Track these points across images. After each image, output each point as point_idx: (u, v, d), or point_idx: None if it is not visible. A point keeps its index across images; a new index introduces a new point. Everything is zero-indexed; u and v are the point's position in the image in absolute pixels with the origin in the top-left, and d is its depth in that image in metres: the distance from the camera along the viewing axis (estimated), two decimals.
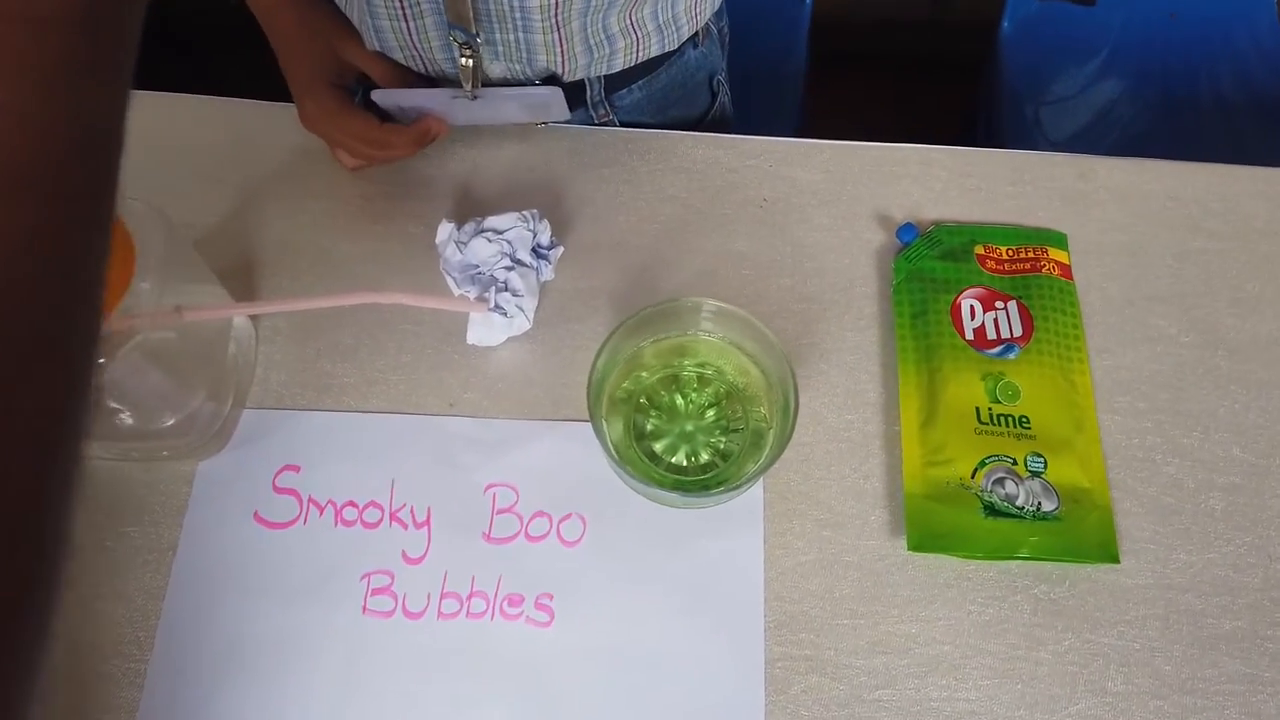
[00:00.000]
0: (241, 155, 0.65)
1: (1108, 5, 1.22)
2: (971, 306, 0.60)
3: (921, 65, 1.52)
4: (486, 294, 0.55)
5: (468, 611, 0.52)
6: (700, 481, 0.53)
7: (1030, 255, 0.62)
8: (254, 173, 0.64)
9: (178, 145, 0.65)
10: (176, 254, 0.52)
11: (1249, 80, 1.21)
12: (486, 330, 0.56)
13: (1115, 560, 0.54)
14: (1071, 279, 0.62)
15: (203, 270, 0.55)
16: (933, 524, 0.54)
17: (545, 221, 0.57)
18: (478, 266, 0.56)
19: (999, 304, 0.60)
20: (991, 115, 1.21)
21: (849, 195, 0.65)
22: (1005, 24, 1.19)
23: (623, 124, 0.68)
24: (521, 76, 0.61)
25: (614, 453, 0.52)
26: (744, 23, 0.87)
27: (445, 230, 0.57)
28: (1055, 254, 0.62)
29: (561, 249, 0.59)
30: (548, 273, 0.58)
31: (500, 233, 0.56)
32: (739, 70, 0.83)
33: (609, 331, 0.51)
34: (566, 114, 0.62)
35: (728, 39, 0.77)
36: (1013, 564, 0.54)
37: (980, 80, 1.30)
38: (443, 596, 0.53)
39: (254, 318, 0.59)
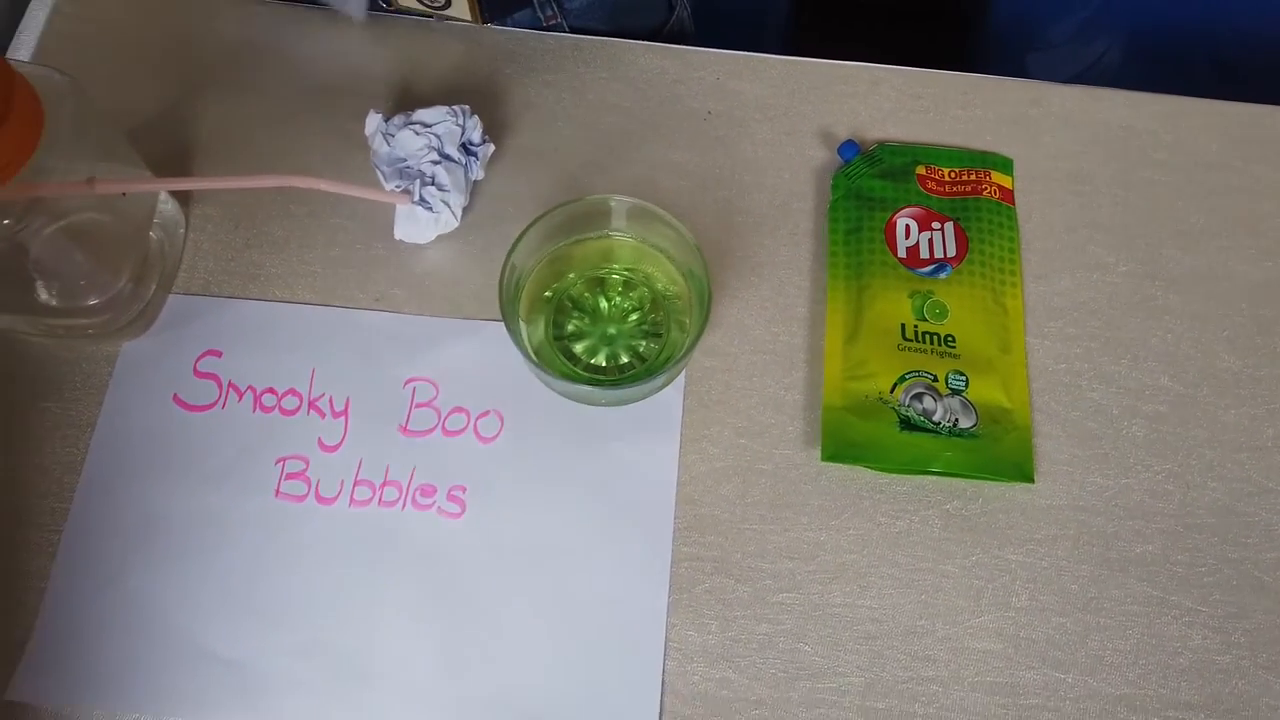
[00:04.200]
0: (182, 48, 0.65)
1: None
2: (907, 225, 0.59)
3: (913, 16, 1.49)
4: (411, 186, 0.55)
5: (380, 499, 0.53)
6: (615, 379, 0.53)
7: (972, 178, 0.61)
8: (194, 66, 0.64)
9: (119, 36, 0.65)
10: (96, 131, 0.52)
11: (1243, 36, 1.19)
12: (413, 226, 0.56)
13: (1030, 480, 0.54)
14: (1013, 203, 0.61)
15: (130, 154, 0.55)
16: (848, 435, 0.54)
17: (476, 118, 0.57)
18: (405, 160, 0.55)
19: (935, 224, 0.59)
20: (978, 64, 1.19)
21: (795, 111, 0.64)
22: None
23: (572, 29, 0.67)
24: None
25: (531, 352, 0.52)
26: None
27: (373, 122, 0.56)
28: (999, 178, 0.61)
29: (492, 147, 0.58)
30: (477, 170, 0.57)
31: (428, 126, 0.55)
32: (713, 12, 0.81)
33: (521, 230, 0.51)
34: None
35: None
36: (927, 480, 0.54)
37: (970, 29, 1.28)
38: (356, 484, 0.53)
39: (184, 206, 0.59)
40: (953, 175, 0.61)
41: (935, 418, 0.54)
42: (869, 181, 0.60)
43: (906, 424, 0.54)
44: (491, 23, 0.64)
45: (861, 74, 0.65)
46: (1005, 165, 0.62)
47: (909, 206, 0.60)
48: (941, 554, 0.53)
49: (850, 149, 0.61)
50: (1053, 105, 0.65)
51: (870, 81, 0.65)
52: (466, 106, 0.57)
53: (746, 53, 0.65)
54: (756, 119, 0.64)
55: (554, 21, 0.66)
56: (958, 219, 0.60)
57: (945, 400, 0.54)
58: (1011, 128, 0.64)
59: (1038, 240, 0.61)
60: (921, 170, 0.61)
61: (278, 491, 0.53)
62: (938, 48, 1.41)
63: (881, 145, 0.62)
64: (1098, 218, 0.61)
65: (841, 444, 0.54)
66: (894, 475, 0.54)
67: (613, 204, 0.52)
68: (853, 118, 0.64)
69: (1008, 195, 0.61)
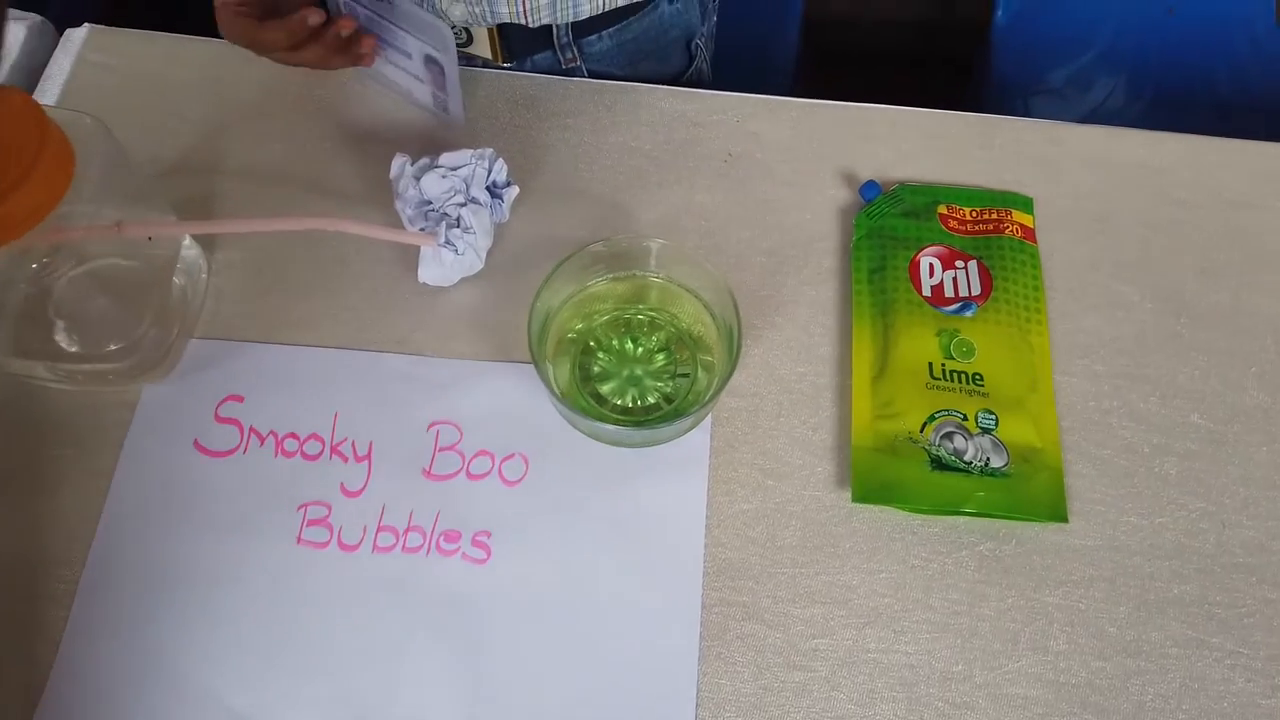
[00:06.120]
0: (210, 94, 0.65)
1: None
2: (931, 264, 0.59)
3: (919, 64, 1.52)
4: (437, 229, 0.55)
5: (403, 545, 0.52)
6: (642, 420, 0.53)
7: (994, 217, 0.61)
8: (221, 111, 0.64)
9: (149, 82, 0.65)
10: (124, 176, 0.52)
11: (1245, 81, 1.20)
12: (438, 268, 0.56)
13: (1064, 520, 0.53)
14: (1035, 242, 0.61)
15: (156, 199, 0.55)
16: (879, 476, 0.53)
17: (500, 161, 0.57)
18: (430, 203, 0.55)
19: (959, 263, 0.59)
20: (981, 110, 1.20)
21: (814, 153, 0.64)
22: (999, 14, 1.18)
23: (591, 73, 0.67)
24: (482, 22, 0.60)
25: (558, 392, 0.52)
26: (735, 14, 0.86)
27: (398, 165, 0.56)
28: (1019, 217, 0.61)
29: (516, 189, 0.58)
30: (502, 212, 0.57)
31: (454, 169, 0.55)
32: (727, 62, 0.82)
33: (552, 267, 0.50)
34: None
35: (713, 10, 0.76)
36: (959, 520, 0.54)
37: (972, 73, 1.30)
38: (379, 530, 0.52)
39: (207, 251, 0.59)
40: (974, 214, 0.61)
41: (967, 457, 0.53)
42: (891, 221, 0.60)
43: (938, 464, 0.53)
44: (512, 62, 0.65)
45: (879, 116, 0.66)
46: (1025, 204, 0.62)
47: (932, 245, 0.60)
48: (976, 596, 0.52)
49: (872, 189, 0.61)
50: (1071, 145, 0.65)
51: (889, 123, 0.65)
52: (490, 150, 0.57)
53: (765, 96, 0.66)
54: (777, 161, 0.64)
55: (574, 64, 0.66)
56: (980, 257, 0.59)
57: (976, 439, 0.54)
58: (1031, 167, 0.64)
59: (1061, 278, 0.61)
60: (943, 209, 0.61)
61: (299, 539, 0.52)
62: (941, 94, 1.43)
63: (903, 185, 0.62)
64: (1120, 255, 0.61)
65: (872, 485, 0.53)
66: (926, 516, 0.53)
67: (643, 245, 0.52)
68: (872, 159, 0.64)
69: (1029, 234, 0.61)
